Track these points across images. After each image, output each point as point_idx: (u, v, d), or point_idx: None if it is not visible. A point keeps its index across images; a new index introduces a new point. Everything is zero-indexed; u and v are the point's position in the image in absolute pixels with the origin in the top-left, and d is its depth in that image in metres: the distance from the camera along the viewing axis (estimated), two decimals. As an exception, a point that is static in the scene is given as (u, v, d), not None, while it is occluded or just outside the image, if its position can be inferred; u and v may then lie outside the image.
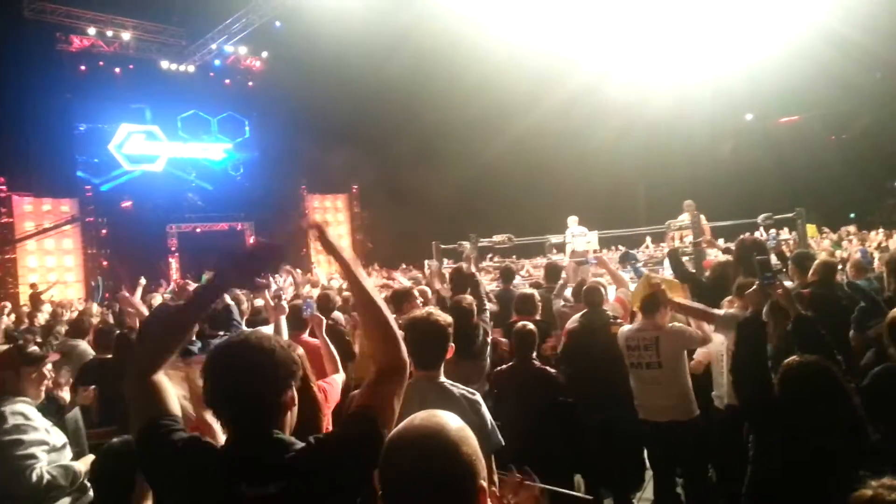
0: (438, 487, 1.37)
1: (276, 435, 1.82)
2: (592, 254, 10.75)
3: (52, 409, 4.04)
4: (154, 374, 1.92)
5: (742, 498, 3.24)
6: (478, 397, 3.12)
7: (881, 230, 15.80)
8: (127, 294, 7.28)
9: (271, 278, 11.33)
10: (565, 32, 19.88)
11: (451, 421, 1.47)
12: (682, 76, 21.19)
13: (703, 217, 11.92)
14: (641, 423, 4.88)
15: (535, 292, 6.28)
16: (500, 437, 3.11)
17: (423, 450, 1.40)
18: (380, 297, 2.07)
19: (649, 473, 5.42)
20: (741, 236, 5.85)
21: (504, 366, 4.82)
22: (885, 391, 3.36)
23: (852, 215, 22.75)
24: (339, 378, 3.86)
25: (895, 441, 3.16)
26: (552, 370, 4.77)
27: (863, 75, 22.77)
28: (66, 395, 4.17)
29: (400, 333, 2.03)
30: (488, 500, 1.43)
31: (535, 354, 4.79)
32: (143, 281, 10.05)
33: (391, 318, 2.04)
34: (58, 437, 3.47)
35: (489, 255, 15.23)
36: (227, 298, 5.06)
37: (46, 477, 3.15)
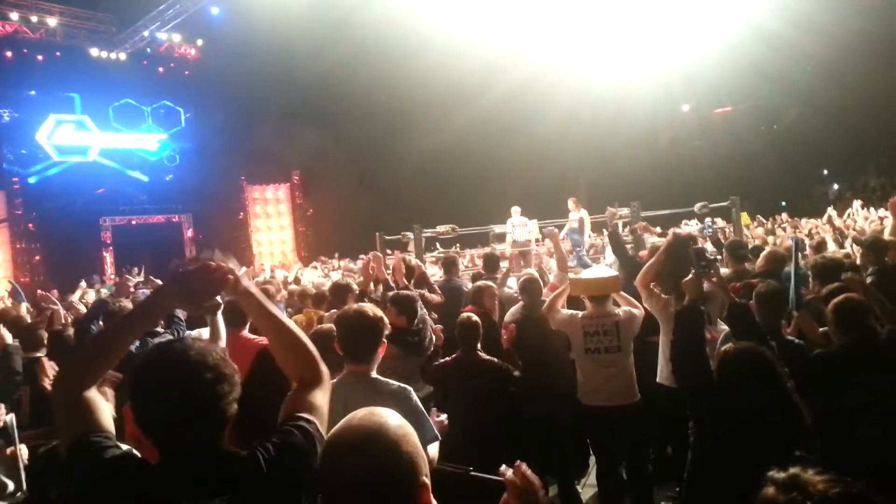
0: (379, 486, 1.36)
1: (217, 448, 1.75)
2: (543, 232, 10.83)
3: None
4: (86, 390, 1.82)
5: (683, 482, 3.32)
6: (409, 392, 3.09)
7: (812, 218, 16.37)
8: (45, 293, 7.07)
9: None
10: (508, 24, 19.99)
11: (390, 419, 1.46)
12: (622, 69, 21.55)
13: (585, 212, 12.38)
14: (586, 409, 4.94)
15: (492, 285, 6.19)
16: (435, 431, 3.08)
17: (363, 449, 1.38)
18: (287, 318, 2.07)
19: (592, 459, 5.52)
20: (673, 229, 5.91)
21: (447, 358, 4.79)
22: (814, 375, 3.50)
23: (783, 203, 23.58)
24: None
25: (825, 422, 3.29)
26: (499, 361, 4.76)
27: (792, 69, 23.60)
28: None
29: (309, 343, 2.04)
30: (430, 496, 1.42)
31: (479, 346, 4.78)
32: (83, 284, 9.82)
33: (303, 335, 2.05)
34: None
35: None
36: None
37: None
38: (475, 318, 4.77)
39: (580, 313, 5.02)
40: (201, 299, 1.94)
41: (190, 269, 1.91)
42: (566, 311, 5.12)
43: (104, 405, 1.86)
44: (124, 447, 1.79)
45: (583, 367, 4.99)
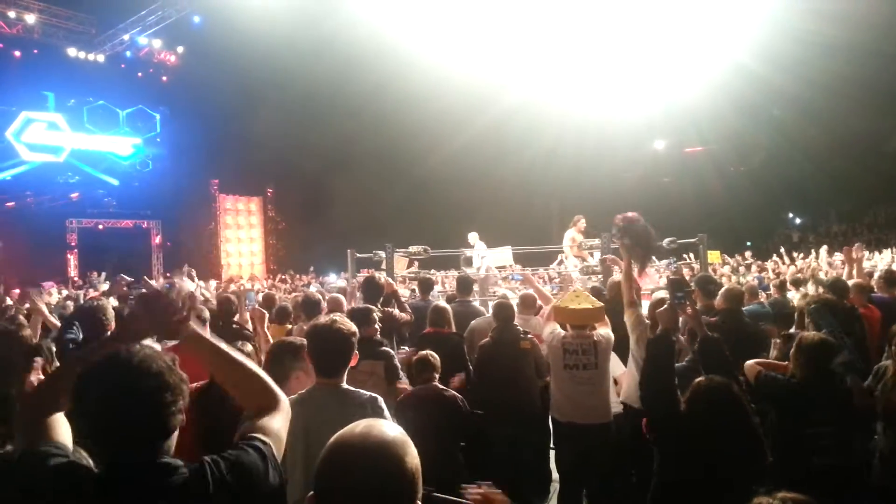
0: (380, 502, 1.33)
1: (159, 460, 1.68)
2: (515, 271, 10.90)
3: None
4: (48, 417, 1.81)
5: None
6: (380, 401, 3.08)
7: (775, 257, 16.66)
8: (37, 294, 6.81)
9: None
10: (490, 55, 20.14)
11: (391, 432, 1.43)
12: (603, 105, 21.76)
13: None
14: (559, 425, 5.05)
15: (448, 306, 6.24)
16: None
17: (369, 462, 1.35)
18: (236, 352, 2.02)
19: (553, 486, 5.53)
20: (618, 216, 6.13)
21: (411, 389, 4.77)
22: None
23: (748, 244, 24.02)
24: None
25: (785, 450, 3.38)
26: (456, 394, 4.74)
27: (762, 112, 24.12)
28: None
29: (262, 372, 2.00)
30: None
31: (437, 377, 4.75)
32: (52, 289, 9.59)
33: (254, 366, 2.01)
34: None
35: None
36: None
37: None
38: (432, 354, 4.73)
39: (562, 332, 5.14)
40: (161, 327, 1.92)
41: (150, 293, 1.93)
42: (553, 326, 5.25)
43: (62, 420, 1.82)
44: (73, 458, 1.73)
45: (560, 383, 5.07)
